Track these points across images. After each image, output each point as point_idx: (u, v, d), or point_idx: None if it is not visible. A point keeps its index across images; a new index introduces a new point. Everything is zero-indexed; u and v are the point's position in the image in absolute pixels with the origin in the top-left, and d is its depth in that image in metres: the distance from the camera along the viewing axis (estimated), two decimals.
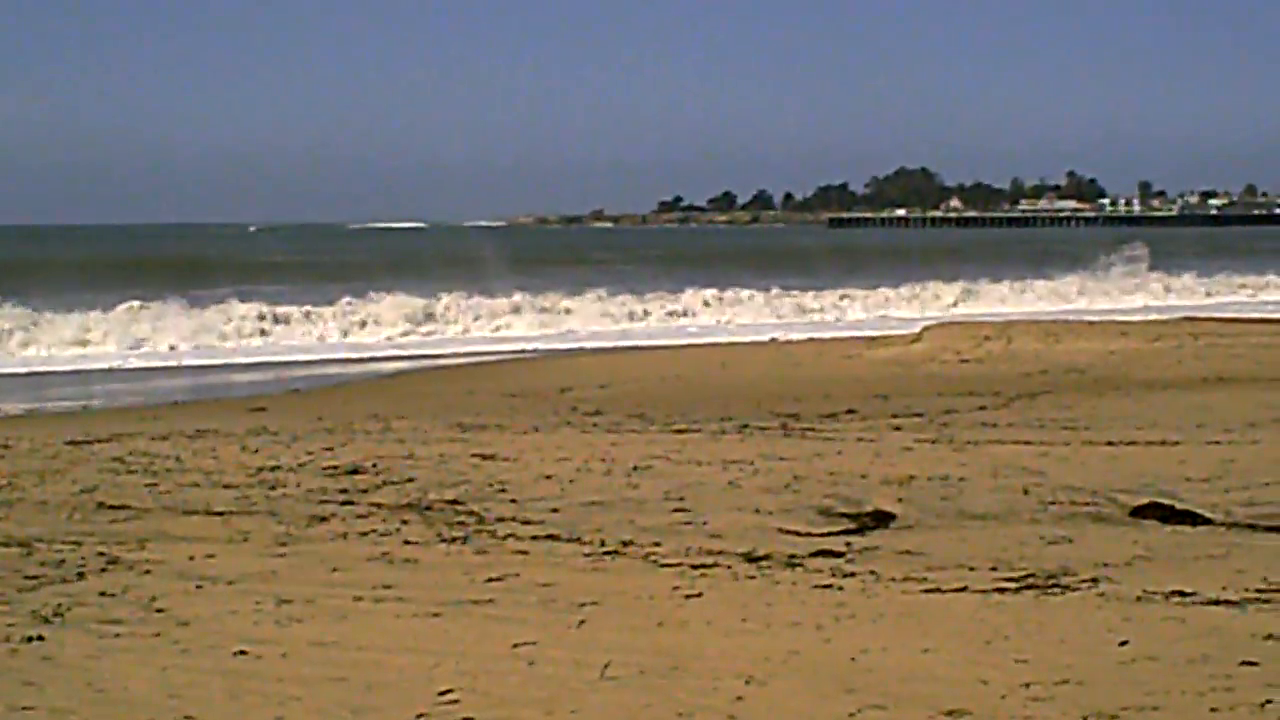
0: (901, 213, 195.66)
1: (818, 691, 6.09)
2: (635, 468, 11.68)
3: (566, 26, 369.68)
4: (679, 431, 14.07)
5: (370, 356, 28.99)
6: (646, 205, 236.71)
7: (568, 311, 37.82)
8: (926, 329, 26.09)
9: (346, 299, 36.03)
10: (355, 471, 11.73)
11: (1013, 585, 7.79)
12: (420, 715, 5.93)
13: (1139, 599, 7.44)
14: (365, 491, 10.89)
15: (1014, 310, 39.91)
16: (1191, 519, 9.62)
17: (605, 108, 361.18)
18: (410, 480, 11.28)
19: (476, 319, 36.44)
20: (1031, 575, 7.99)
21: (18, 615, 7.46)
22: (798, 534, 9.28)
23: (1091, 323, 27.57)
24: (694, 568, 8.31)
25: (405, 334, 34.46)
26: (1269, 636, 6.69)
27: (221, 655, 6.75)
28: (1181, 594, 7.49)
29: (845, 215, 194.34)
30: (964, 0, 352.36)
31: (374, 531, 9.45)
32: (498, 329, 35.83)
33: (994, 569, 8.16)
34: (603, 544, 8.98)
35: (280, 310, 34.74)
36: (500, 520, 9.76)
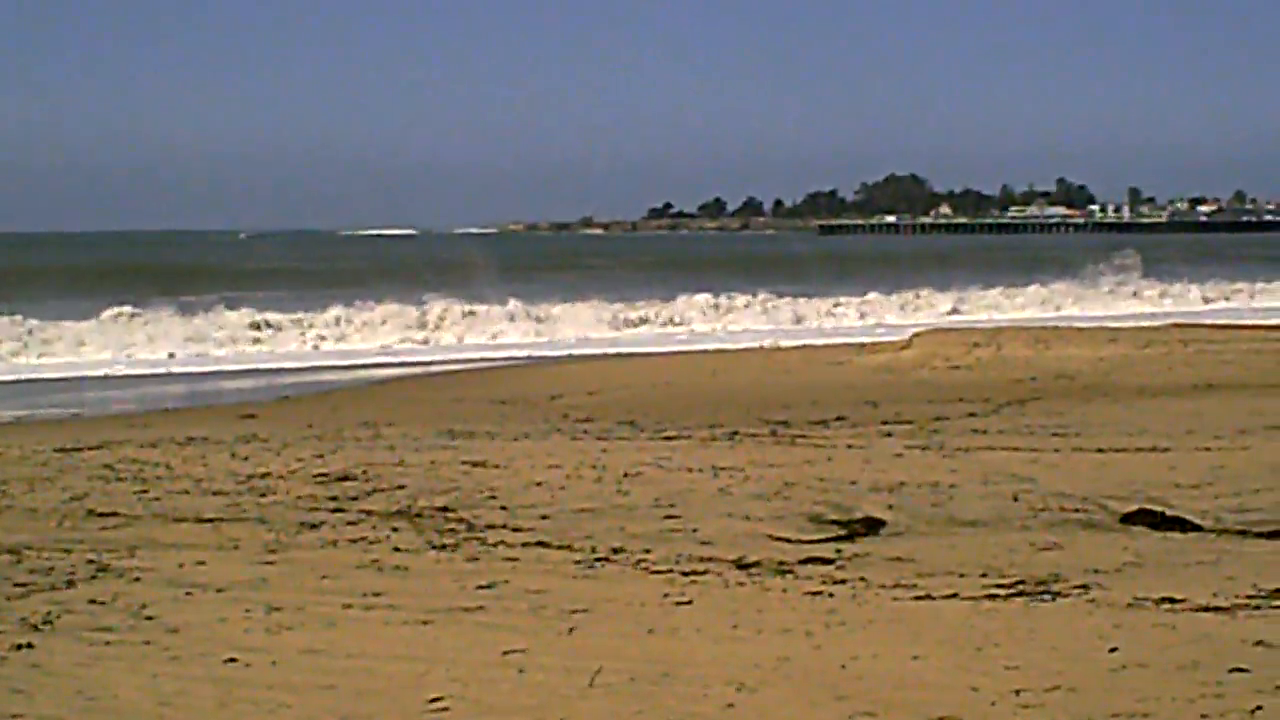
0: (892, 219, 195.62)
1: (808, 698, 6.09)
2: (625, 475, 11.68)
3: (556, 33, 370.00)
4: (669, 438, 14.08)
5: (360, 364, 28.94)
6: (636, 212, 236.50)
7: (558, 318, 37.79)
8: (916, 336, 26.11)
9: (337, 306, 36.00)
10: (345, 479, 11.72)
11: (1003, 592, 7.79)
12: None
13: (1129, 605, 7.44)
14: (355, 499, 10.88)
15: (1004, 317, 39.96)
16: (1181, 525, 9.63)
17: (595, 114, 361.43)
18: (400, 487, 11.27)
19: (467, 325, 36.41)
20: (1022, 582, 8.00)
21: (7, 622, 7.44)
22: (788, 541, 9.28)
23: (1081, 329, 27.59)
24: (684, 575, 8.31)
25: (396, 341, 34.43)
26: (1259, 643, 6.69)
27: (211, 663, 6.74)
28: (1172, 600, 7.50)
29: (835, 222, 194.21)
30: (954, 6, 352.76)
31: (364, 539, 9.44)
32: (492, 336, 35.77)
33: (984, 576, 8.17)
34: (593, 551, 8.98)
35: (270, 317, 34.71)
36: (490, 527, 9.75)
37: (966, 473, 11.65)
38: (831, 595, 7.80)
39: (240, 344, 32.61)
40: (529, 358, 30.08)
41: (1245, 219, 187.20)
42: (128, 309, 34.26)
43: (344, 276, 54.65)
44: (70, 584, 8.27)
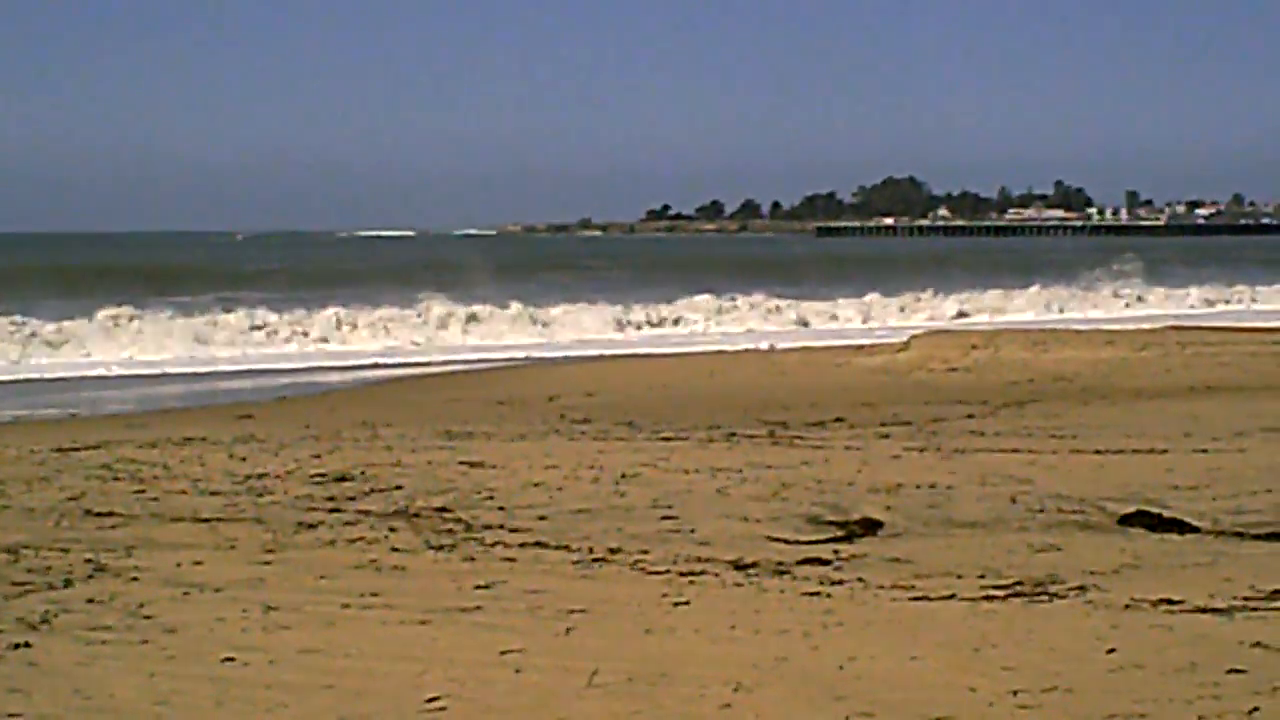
0: (889, 222, 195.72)
1: (806, 699, 6.09)
2: (623, 475, 11.68)
3: (554, 36, 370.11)
4: (667, 439, 14.08)
5: (358, 364, 28.93)
6: (634, 214, 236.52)
7: (557, 320, 37.77)
8: (914, 337, 26.13)
9: (334, 307, 35.99)
10: (343, 479, 11.72)
11: (1001, 593, 7.80)
12: None
13: (1127, 607, 7.45)
14: (353, 499, 10.88)
15: (1002, 319, 39.96)
16: (1179, 527, 9.64)
17: (593, 117, 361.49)
18: (398, 488, 11.27)
19: (465, 326, 36.39)
20: (1019, 583, 8.00)
21: (5, 622, 7.44)
22: (786, 542, 9.28)
23: (1078, 331, 27.61)
24: (682, 575, 8.31)
25: (393, 341, 34.42)
26: (1256, 644, 6.70)
27: (209, 662, 6.74)
28: (1169, 602, 7.50)
29: (833, 224, 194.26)
30: (952, 10, 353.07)
31: (361, 539, 9.44)
32: (491, 337, 35.75)
33: (982, 577, 8.17)
34: (591, 552, 8.98)
35: (268, 318, 34.72)
36: (488, 528, 9.75)
37: (964, 474, 11.65)
38: (829, 596, 7.81)
39: (238, 345, 32.61)
40: (527, 358, 30.07)
41: (1243, 222, 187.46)
42: (125, 310, 34.22)
43: (341, 277, 54.61)
44: (68, 583, 8.27)
